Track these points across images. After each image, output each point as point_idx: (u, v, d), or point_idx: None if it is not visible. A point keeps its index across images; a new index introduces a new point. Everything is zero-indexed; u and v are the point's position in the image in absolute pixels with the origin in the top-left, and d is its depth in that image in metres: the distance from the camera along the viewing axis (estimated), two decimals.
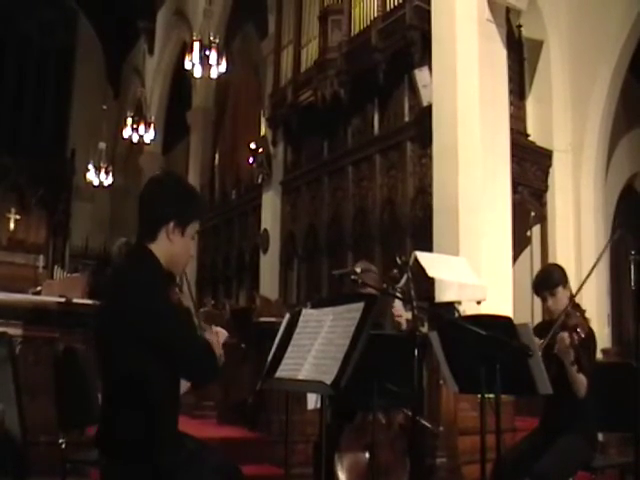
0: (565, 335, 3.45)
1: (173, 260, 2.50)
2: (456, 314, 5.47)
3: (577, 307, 3.78)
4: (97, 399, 2.44)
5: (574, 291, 3.85)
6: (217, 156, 14.86)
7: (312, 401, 3.61)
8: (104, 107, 19.24)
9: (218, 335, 2.64)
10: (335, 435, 3.55)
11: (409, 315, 3.76)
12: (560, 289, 3.80)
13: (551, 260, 7.81)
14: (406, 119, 8.50)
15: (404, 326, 3.87)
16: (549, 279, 3.86)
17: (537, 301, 6.65)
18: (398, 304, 3.97)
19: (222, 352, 2.55)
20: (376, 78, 8.64)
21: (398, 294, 3.75)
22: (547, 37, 8.40)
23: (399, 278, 3.86)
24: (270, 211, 11.31)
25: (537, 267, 8.05)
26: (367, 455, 3.49)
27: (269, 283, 11.04)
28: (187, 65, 11.46)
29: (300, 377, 2.60)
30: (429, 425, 4.36)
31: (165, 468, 2.30)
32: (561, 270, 3.94)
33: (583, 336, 3.49)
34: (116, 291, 2.45)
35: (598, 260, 3.90)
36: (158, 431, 2.33)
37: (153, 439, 2.31)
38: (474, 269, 6.02)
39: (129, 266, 2.55)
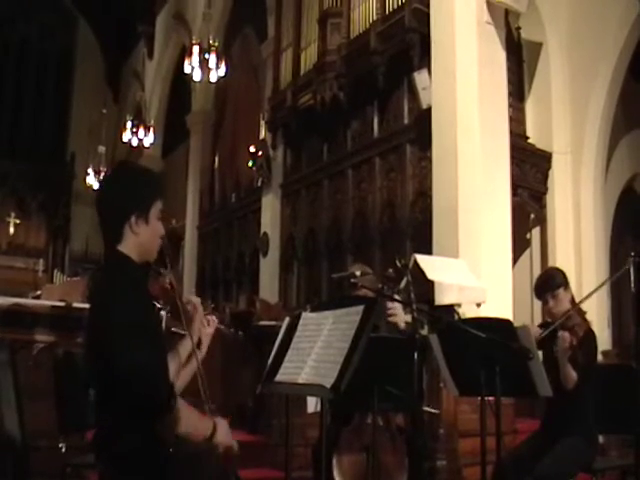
0: (566, 335, 3.47)
1: (145, 249, 2.46)
2: (456, 317, 5.47)
3: (578, 309, 3.79)
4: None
5: (577, 300, 3.86)
6: (217, 159, 14.86)
7: (312, 404, 3.60)
8: (104, 111, 19.25)
9: (208, 322, 2.64)
10: (333, 438, 3.55)
11: (405, 317, 3.75)
12: (561, 291, 3.82)
13: (551, 262, 7.81)
14: (405, 122, 8.50)
15: (402, 326, 3.84)
16: (551, 282, 3.88)
17: (537, 303, 6.66)
18: (398, 306, 3.96)
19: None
20: (375, 81, 8.63)
21: (396, 296, 3.74)
22: (546, 39, 8.40)
23: (395, 277, 3.84)
24: (270, 214, 11.30)
25: (537, 269, 8.05)
26: (365, 457, 3.48)
27: (269, 286, 11.04)
28: (187, 69, 11.45)
29: (300, 381, 2.61)
30: (434, 410, 4.34)
31: (161, 474, 2.30)
32: (562, 273, 3.96)
33: (581, 334, 3.51)
34: (91, 300, 2.46)
35: (600, 286, 3.90)
36: (154, 437, 2.32)
37: (148, 444, 2.30)
38: (474, 271, 6.03)
39: (102, 274, 2.53)
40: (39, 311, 4.92)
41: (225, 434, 2.41)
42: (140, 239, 2.42)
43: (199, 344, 2.65)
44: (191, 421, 2.33)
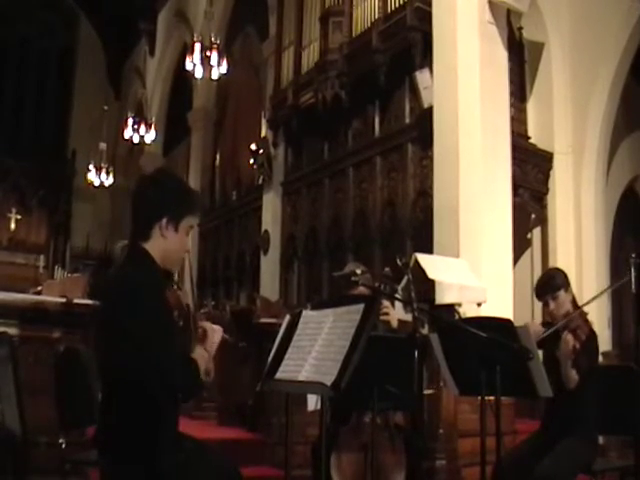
0: (570, 338, 3.46)
1: (168, 257, 2.49)
2: (456, 316, 5.47)
3: (580, 311, 3.78)
4: (97, 399, 2.44)
5: (580, 303, 3.85)
6: (218, 157, 14.86)
7: (312, 402, 3.60)
8: (105, 108, 19.24)
9: (214, 333, 2.63)
10: (332, 436, 3.55)
11: (406, 316, 3.75)
12: (562, 293, 3.81)
13: (551, 262, 7.81)
14: (407, 121, 8.50)
15: (394, 324, 3.83)
16: (551, 283, 3.87)
17: (537, 303, 6.64)
18: (397, 306, 3.96)
19: (211, 367, 2.48)
20: (377, 80, 8.64)
21: (396, 295, 3.74)
22: (548, 39, 8.40)
23: (392, 276, 3.84)
24: (271, 212, 11.31)
25: (537, 269, 8.05)
26: (363, 456, 3.49)
27: (269, 284, 11.04)
28: (188, 66, 11.46)
29: (300, 378, 2.60)
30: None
31: (164, 469, 2.30)
32: (563, 274, 3.94)
33: (584, 338, 3.51)
34: (110, 293, 2.46)
35: (602, 293, 3.89)
36: (157, 432, 2.33)
37: (152, 440, 2.30)
38: (474, 271, 6.03)
39: (124, 268, 2.54)
40: (40, 307, 4.92)
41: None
42: (166, 244, 2.46)
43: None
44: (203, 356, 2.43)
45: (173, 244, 2.48)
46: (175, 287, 2.60)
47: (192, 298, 2.69)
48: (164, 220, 2.44)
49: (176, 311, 2.60)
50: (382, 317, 3.78)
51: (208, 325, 2.57)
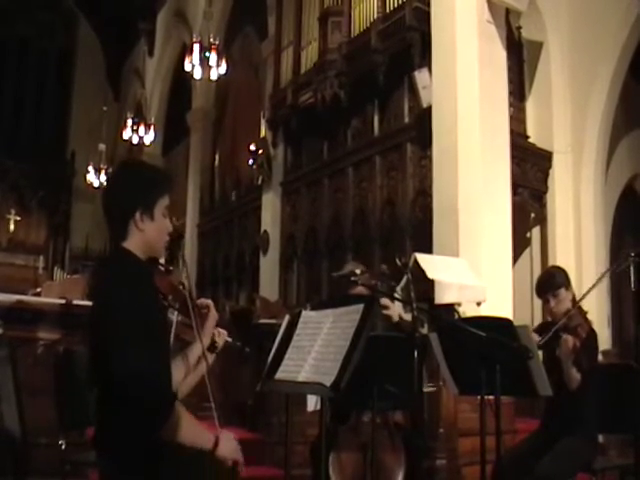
0: (569, 338, 3.47)
1: (151, 246, 2.45)
2: (456, 315, 5.48)
3: (579, 309, 3.79)
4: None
5: (577, 298, 3.86)
6: (217, 157, 14.85)
7: (312, 402, 3.60)
8: (104, 108, 19.24)
9: (220, 334, 2.64)
10: (331, 436, 3.55)
11: (405, 316, 3.75)
12: (563, 291, 3.81)
13: (551, 261, 7.81)
14: (406, 120, 8.50)
15: (395, 319, 3.83)
16: (552, 281, 3.87)
17: (537, 302, 6.66)
18: (397, 305, 3.96)
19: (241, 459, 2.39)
20: (376, 79, 8.63)
21: (395, 294, 3.74)
22: (547, 38, 8.40)
23: (389, 274, 3.85)
24: (270, 212, 11.30)
25: (537, 268, 8.05)
26: (362, 455, 3.49)
27: (269, 284, 11.03)
28: (187, 67, 11.45)
29: (300, 379, 2.61)
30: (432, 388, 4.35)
31: (163, 470, 2.29)
32: (563, 272, 3.95)
33: (584, 336, 3.51)
34: (92, 296, 2.45)
35: (599, 280, 3.88)
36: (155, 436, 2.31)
37: (150, 444, 2.29)
38: (474, 270, 6.03)
39: (103, 271, 2.51)
40: (40, 308, 4.92)
41: (229, 449, 2.38)
42: (146, 236, 2.41)
43: (210, 347, 2.63)
44: (190, 432, 2.31)
45: (153, 233, 2.43)
46: (163, 269, 2.55)
47: (184, 274, 2.66)
48: (137, 214, 2.39)
49: (170, 295, 2.57)
50: (383, 311, 3.77)
51: (204, 302, 2.58)
